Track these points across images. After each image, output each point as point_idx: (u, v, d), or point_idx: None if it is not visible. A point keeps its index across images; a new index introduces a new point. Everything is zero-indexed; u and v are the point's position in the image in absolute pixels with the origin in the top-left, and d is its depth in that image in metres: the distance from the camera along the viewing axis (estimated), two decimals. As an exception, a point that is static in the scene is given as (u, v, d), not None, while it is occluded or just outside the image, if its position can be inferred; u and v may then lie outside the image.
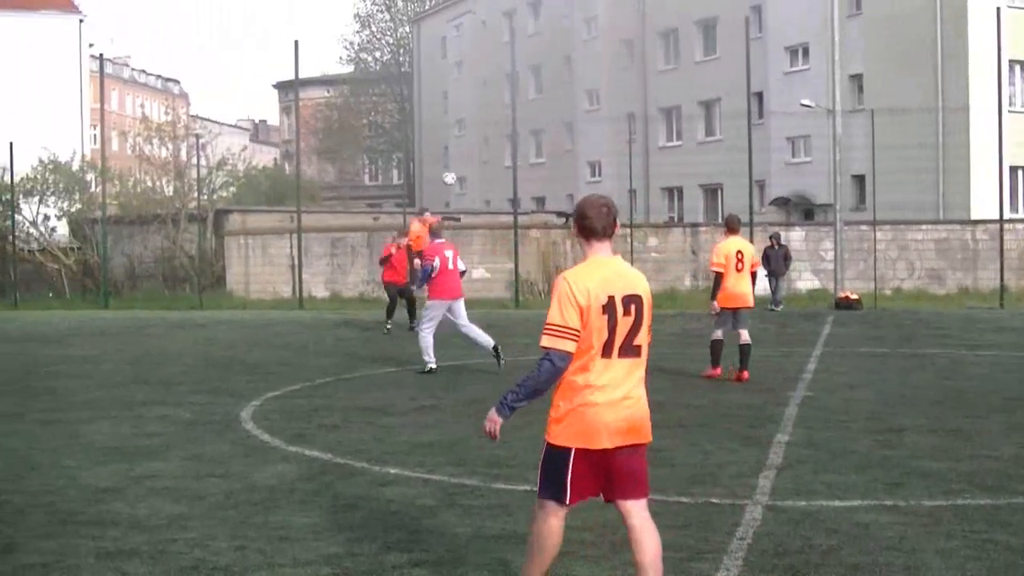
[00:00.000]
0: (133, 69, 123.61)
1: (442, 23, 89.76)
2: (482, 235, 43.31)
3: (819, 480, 10.24)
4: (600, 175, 69.60)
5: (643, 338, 6.40)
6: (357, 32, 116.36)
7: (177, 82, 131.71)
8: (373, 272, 40.79)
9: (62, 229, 48.16)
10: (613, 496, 6.42)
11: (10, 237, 43.52)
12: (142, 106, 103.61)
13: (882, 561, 7.66)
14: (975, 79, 46.84)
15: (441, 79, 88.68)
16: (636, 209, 50.86)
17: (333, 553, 7.92)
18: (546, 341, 6.24)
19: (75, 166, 49.82)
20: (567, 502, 6.35)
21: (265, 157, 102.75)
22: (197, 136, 49.84)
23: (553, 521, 6.41)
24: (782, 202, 56.54)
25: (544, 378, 6.26)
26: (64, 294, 43.85)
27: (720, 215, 59.44)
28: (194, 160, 47.57)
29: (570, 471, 6.29)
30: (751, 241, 37.11)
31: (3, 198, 44.73)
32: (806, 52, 55.95)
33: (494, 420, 6.47)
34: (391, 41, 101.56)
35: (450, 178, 41.23)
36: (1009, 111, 42.88)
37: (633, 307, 6.34)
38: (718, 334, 18.04)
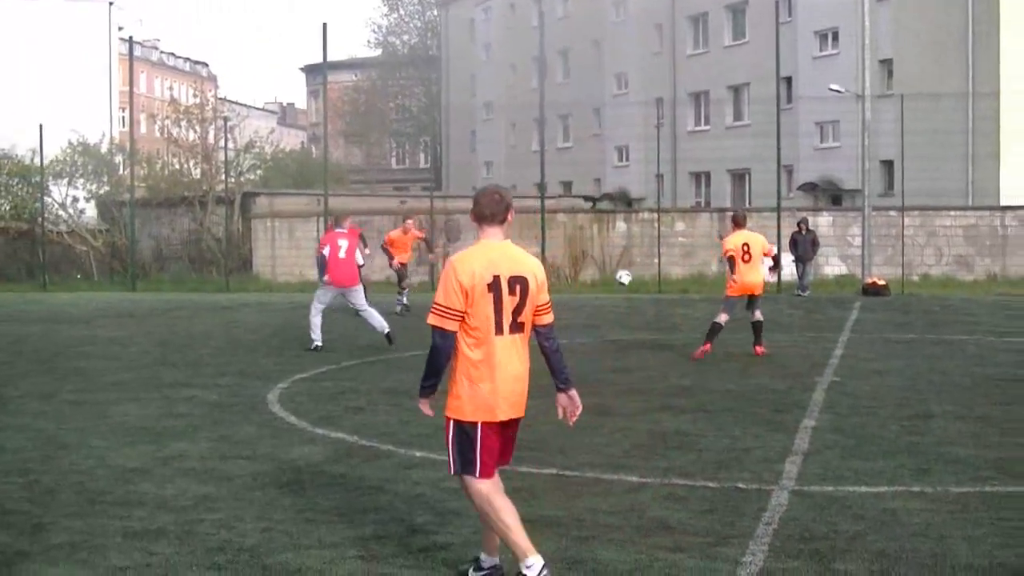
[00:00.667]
0: (162, 52, 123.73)
1: (470, 6, 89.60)
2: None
3: (846, 466, 10.20)
4: (628, 159, 69.49)
5: (527, 316, 6.77)
6: (385, 15, 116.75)
7: (205, 65, 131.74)
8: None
9: (91, 211, 48.45)
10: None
11: (40, 219, 43.73)
12: (171, 88, 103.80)
13: (909, 547, 7.62)
14: (1006, 64, 46.52)
15: (469, 63, 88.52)
16: (663, 194, 50.79)
17: (359, 535, 7.93)
18: (430, 320, 6.70)
19: (104, 148, 50.09)
20: (478, 475, 6.67)
21: (292, 140, 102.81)
22: (225, 119, 49.94)
23: (483, 488, 6.70)
24: (810, 187, 56.35)
25: (433, 356, 6.68)
26: (92, 276, 44.08)
27: (748, 200, 59.33)
28: (222, 143, 47.68)
29: (479, 444, 6.69)
30: (779, 227, 37.29)
31: (33, 180, 44.98)
32: (835, 37, 55.65)
33: (419, 404, 6.96)
34: (419, 24, 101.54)
35: (625, 277, 40.32)
36: (1040, 96, 42.64)
37: (518, 287, 6.74)
38: (721, 318, 19.03)
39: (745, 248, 19.04)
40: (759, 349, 19.31)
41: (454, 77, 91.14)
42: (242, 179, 48.71)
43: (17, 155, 46.10)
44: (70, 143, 47.78)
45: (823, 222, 41.63)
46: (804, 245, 36.32)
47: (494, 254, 6.82)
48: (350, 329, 23.69)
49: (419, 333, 22.87)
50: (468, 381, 6.66)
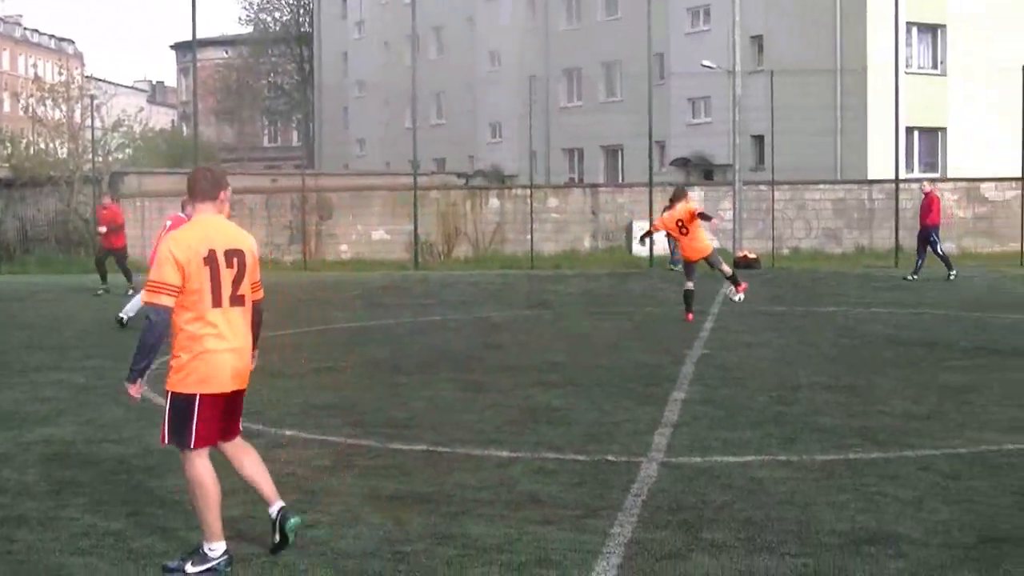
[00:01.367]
0: (25, 28, 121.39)
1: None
2: (382, 197, 43.16)
3: (714, 436, 10.32)
4: (501, 136, 69.50)
5: (246, 289, 6.90)
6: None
7: (71, 42, 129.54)
8: (272, 234, 40.59)
9: (-49, 193, 47.31)
10: (224, 437, 7.04)
11: None
12: (35, 66, 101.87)
13: (775, 515, 7.73)
14: (873, 41, 47.20)
15: (342, 40, 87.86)
16: (537, 170, 50.88)
17: (229, 516, 7.82)
18: (146, 297, 6.76)
19: (-35, 127, 48.91)
20: (191, 446, 6.77)
21: (163, 119, 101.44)
22: (92, 97, 49.03)
23: (198, 462, 6.82)
24: (682, 163, 56.78)
25: (146, 334, 6.71)
26: (-47, 259, 43.08)
27: (621, 176, 59.65)
28: (88, 122, 46.82)
29: (196, 417, 6.75)
30: (651, 202, 37.62)
31: None
32: (707, 13, 56.04)
33: (125, 390, 7.05)
34: (291, 1, 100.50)
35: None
36: (906, 72, 43.24)
37: (235, 260, 6.83)
38: (689, 285, 20.34)
39: (679, 224, 20.28)
40: (743, 285, 20.82)
41: (326, 54, 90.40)
42: (110, 158, 47.86)
43: None
44: (-70, 122, 46.75)
45: (695, 197, 41.69)
46: (676, 220, 36.51)
47: (209, 229, 6.85)
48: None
49: (293, 313, 22.74)
50: (187, 355, 6.72)
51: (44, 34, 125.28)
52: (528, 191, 41.92)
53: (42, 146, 49.20)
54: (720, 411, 11.59)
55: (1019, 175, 38.97)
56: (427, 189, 43.07)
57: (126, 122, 49.73)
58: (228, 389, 6.84)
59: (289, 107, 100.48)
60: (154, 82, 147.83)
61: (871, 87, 47.15)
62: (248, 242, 7.00)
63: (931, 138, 49.83)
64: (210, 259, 6.71)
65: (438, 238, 41.44)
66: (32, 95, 50.37)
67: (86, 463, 9.55)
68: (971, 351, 16.07)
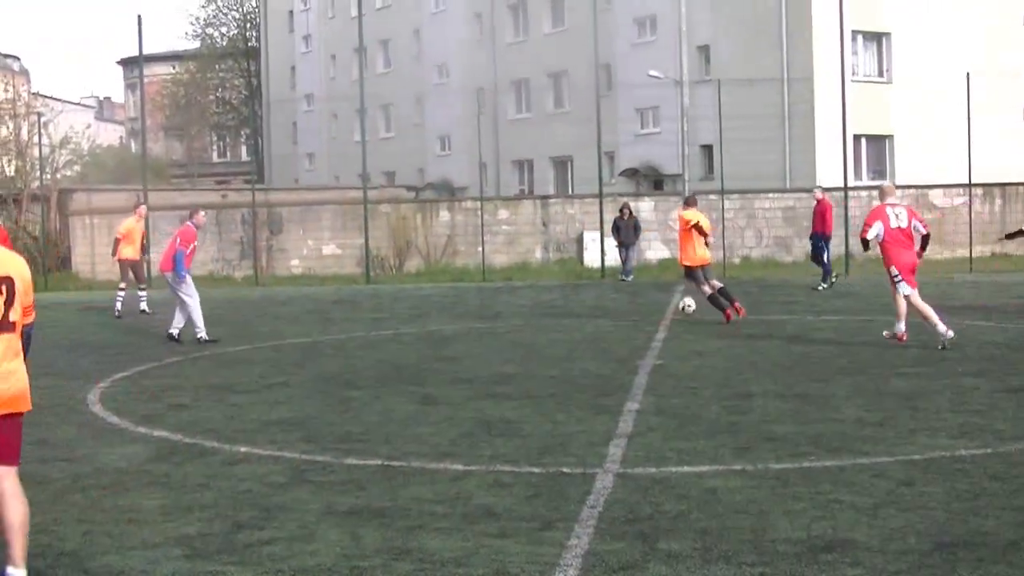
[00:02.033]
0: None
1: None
2: (332, 211, 43.06)
3: (669, 447, 10.35)
4: (450, 149, 69.50)
5: (17, 314, 6.78)
6: (203, 7, 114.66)
7: (17, 58, 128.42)
8: (222, 249, 40.49)
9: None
10: None
11: None
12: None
13: (730, 525, 7.77)
14: (819, 49, 47.48)
15: (289, 54, 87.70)
16: (487, 182, 50.93)
17: (184, 534, 7.82)
18: None
19: (-93, 147, 48.46)
20: None
21: (111, 135, 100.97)
22: (39, 114, 48.73)
23: None
24: (631, 173, 56.92)
25: None
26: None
27: (571, 187, 59.72)
28: (36, 139, 46.53)
29: None
30: (601, 212, 37.72)
31: None
32: (654, 23, 56.22)
33: None
34: (238, 16, 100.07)
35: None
36: (852, 80, 43.51)
37: (4, 287, 6.70)
38: (706, 289, 21.47)
39: (698, 226, 21.55)
40: (741, 309, 21.58)
41: (274, 69, 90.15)
42: (58, 176, 47.59)
43: None
44: None
45: (645, 207, 42.13)
46: (626, 230, 36.67)
47: None
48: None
49: (245, 329, 22.67)
50: None
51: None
52: (478, 203, 41.95)
53: (-12, 164, 48.84)
54: (674, 421, 11.64)
55: (966, 181, 39.37)
56: (377, 203, 43.00)
57: (74, 139, 49.46)
58: None
59: (237, 122, 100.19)
60: (101, 98, 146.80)
61: (818, 95, 47.45)
62: (20, 268, 6.89)
63: (878, 145, 50.20)
64: None
65: (389, 252, 41.40)
66: (-23, 113, 50.01)
67: (39, 483, 9.43)
68: (921, 358, 16.19)
